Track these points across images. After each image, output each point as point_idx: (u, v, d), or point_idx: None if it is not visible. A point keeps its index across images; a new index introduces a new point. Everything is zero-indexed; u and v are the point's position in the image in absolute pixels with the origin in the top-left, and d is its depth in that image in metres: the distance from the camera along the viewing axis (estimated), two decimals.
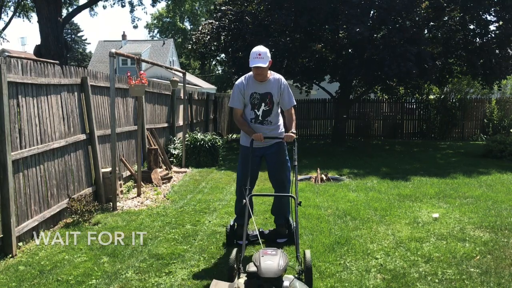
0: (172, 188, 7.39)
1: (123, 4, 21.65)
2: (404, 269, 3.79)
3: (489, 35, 12.55)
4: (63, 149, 5.41)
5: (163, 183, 7.76)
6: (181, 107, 11.37)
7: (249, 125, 4.31)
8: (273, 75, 4.31)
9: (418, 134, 16.79)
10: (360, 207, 5.87)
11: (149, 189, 7.25)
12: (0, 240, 4.15)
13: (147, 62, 7.90)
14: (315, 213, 5.55)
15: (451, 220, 5.25)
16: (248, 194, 3.86)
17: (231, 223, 4.47)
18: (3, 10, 24.40)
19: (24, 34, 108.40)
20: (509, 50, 12.62)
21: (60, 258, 4.10)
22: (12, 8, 25.42)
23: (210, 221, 5.31)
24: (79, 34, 57.27)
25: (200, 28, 14.82)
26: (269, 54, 4.12)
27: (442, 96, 16.37)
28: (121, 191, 6.59)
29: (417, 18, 12.01)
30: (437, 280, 3.57)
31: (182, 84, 10.44)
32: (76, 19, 68.11)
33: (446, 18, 12.90)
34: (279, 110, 4.41)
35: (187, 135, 9.99)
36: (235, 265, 3.21)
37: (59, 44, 13.91)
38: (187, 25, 51.81)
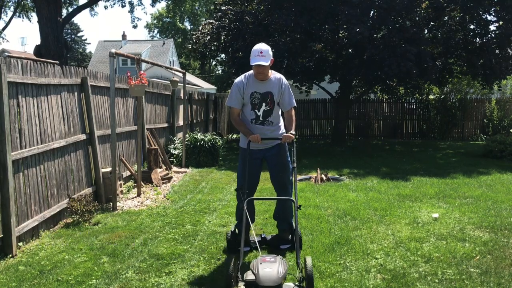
0: (172, 188, 7.39)
1: (123, 4, 21.67)
2: (404, 269, 3.79)
3: (489, 35, 12.55)
4: (63, 149, 5.41)
5: (163, 183, 7.77)
6: (181, 107, 11.38)
7: (246, 125, 4.16)
8: (274, 74, 4.18)
9: (418, 134, 16.79)
10: (360, 207, 5.87)
11: (149, 189, 7.25)
12: (0, 240, 4.15)
13: (147, 62, 7.90)
14: (315, 213, 5.55)
15: (451, 220, 5.25)
16: (246, 198, 3.72)
17: (232, 229, 4.29)
18: (3, 10, 24.40)
19: (24, 34, 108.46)
20: (509, 50, 12.62)
21: (60, 258, 4.10)
22: (12, 8, 25.44)
23: (210, 221, 5.31)
24: (79, 34, 57.28)
25: (200, 28, 14.83)
26: (271, 52, 4.00)
27: (442, 96, 16.37)
28: (121, 191, 6.60)
29: (417, 18, 12.02)
30: (437, 280, 3.57)
31: (182, 84, 10.44)
32: (76, 19, 68.16)
33: (446, 18, 12.90)
34: (280, 111, 4.29)
35: (187, 135, 9.99)
36: (232, 274, 3.04)
37: (59, 44, 13.92)
38: (187, 25, 51.86)
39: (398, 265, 3.88)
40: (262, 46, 3.96)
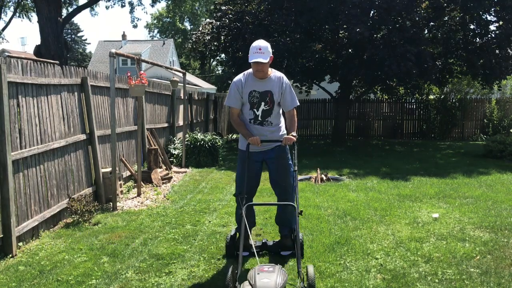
0: (172, 188, 7.39)
1: (123, 4, 21.67)
2: (404, 269, 3.79)
3: (489, 35, 12.55)
4: (63, 149, 5.41)
5: (163, 183, 7.76)
6: (181, 107, 11.38)
7: (246, 126, 3.99)
8: (274, 72, 4.02)
9: (418, 134, 16.80)
10: (360, 207, 5.87)
11: (149, 189, 7.25)
12: (0, 240, 4.15)
13: (147, 62, 7.90)
14: (315, 213, 5.55)
15: (451, 220, 5.25)
16: (245, 203, 3.56)
17: (232, 233, 4.13)
18: (3, 10, 24.41)
19: (24, 34, 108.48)
20: (509, 50, 12.62)
21: (60, 258, 4.10)
22: (12, 8, 25.44)
23: (210, 221, 5.31)
24: (79, 34, 57.28)
25: (200, 28, 14.83)
26: (270, 49, 3.81)
27: (442, 96, 16.37)
28: (121, 191, 6.60)
29: (417, 18, 12.01)
30: (437, 280, 3.57)
31: (182, 84, 10.44)
32: (76, 19, 68.15)
33: (446, 18, 12.91)
34: (281, 110, 4.12)
35: (187, 135, 9.99)
36: (230, 284, 2.91)
37: (59, 44, 13.92)
38: (187, 25, 51.86)
39: (398, 265, 3.88)
40: (260, 43, 3.80)
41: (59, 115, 5.34)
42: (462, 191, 6.89)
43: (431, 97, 16.64)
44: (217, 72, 47.84)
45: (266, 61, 3.74)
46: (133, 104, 8.03)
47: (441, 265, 3.87)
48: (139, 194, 6.75)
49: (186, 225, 5.15)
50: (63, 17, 14.95)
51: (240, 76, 4.01)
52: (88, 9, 21.49)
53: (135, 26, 47.00)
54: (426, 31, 13.26)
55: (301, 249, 3.94)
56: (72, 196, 5.44)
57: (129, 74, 6.61)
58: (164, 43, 40.02)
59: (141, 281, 3.61)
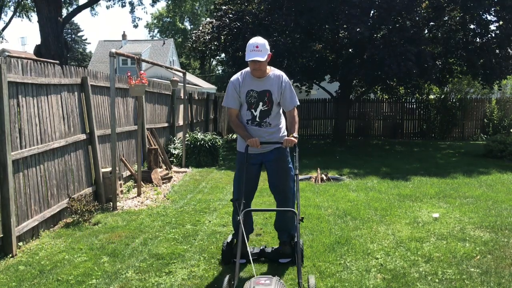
0: (172, 188, 7.39)
1: (123, 4, 21.67)
2: (404, 269, 3.78)
3: (489, 35, 12.56)
4: (63, 149, 5.41)
5: (163, 183, 7.76)
6: (181, 107, 11.37)
7: (245, 128, 3.80)
8: (273, 71, 3.83)
9: (418, 134, 16.80)
10: (360, 207, 5.87)
11: (149, 189, 7.25)
12: (0, 240, 4.15)
13: (147, 62, 7.90)
14: (315, 213, 5.55)
15: (451, 220, 5.25)
16: (243, 209, 3.35)
17: (228, 240, 3.93)
18: (3, 10, 24.41)
19: (24, 34, 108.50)
20: (509, 50, 12.64)
21: (60, 258, 4.10)
22: (12, 8, 25.45)
23: (210, 221, 5.31)
24: (79, 34, 57.28)
25: (200, 27, 14.83)
26: (268, 46, 3.62)
27: (442, 96, 16.37)
28: (121, 191, 6.59)
29: (417, 18, 12.03)
30: (437, 280, 3.57)
31: (182, 84, 10.44)
32: (76, 19, 68.14)
33: (446, 18, 12.91)
34: (280, 111, 3.93)
35: (187, 135, 9.99)
36: None
37: (59, 44, 13.92)
38: (187, 25, 51.87)
39: (398, 265, 3.87)
40: (258, 40, 3.61)
41: (59, 115, 5.34)
42: (462, 191, 6.89)
43: (431, 97, 16.64)
44: (217, 72, 47.85)
45: (263, 59, 3.57)
46: (133, 104, 8.03)
47: (441, 265, 3.87)
48: (139, 194, 6.75)
49: (186, 225, 5.15)
50: (63, 17, 14.95)
51: (237, 75, 3.85)
52: (88, 9, 21.51)
53: (136, 26, 47.10)
54: (426, 31, 13.27)
55: (301, 257, 3.76)
56: (72, 196, 5.43)
57: (129, 74, 6.61)
58: (164, 43, 40.02)
59: (141, 281, 3.61)
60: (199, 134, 10.08)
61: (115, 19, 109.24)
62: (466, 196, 6.49)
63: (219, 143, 10.04)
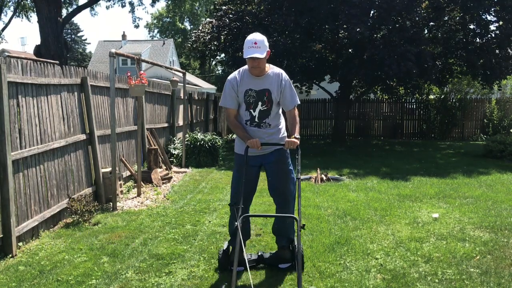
0: (172, 188, 7.39)
1: (123, 4, 21.67)
2: (404, 269, 3.79)
3: (489, 35, 12.57)
4: (63, 149, 5.41)
5: (163, 183, 7.76)
6: (181, 107, 11.37)
7: (244, 128, 3.63)
8: (272, 69, 3.65)
9: (418, 134, 16.81)
10: (360, 207, 5.87)
11: (149, 189, 7.25)
12: (0, 240, 4.15)
13: (147, 62, 7.90)
14: (315, 213, 5.55)
15: (451, 220, 5.25)
16: (241, 214, 3.18)
17: (225, 247, 3.77)
18: (3, 10, 24.41)
19: (24, 34, 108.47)
20: (509, 50, 12.64)
21: (60, 258, 4.10)
22: (12, 8, 25.45)
23: (210, 221, 5.31)
24: (79, 34, 57.28)
25: (200, 27, 14.84)
26: (266, 43, 3.44)
27: (442, 96, 16.38)
28: (121, 191, 6.59)
29: (417, 18, 12.03)
30: (437, 280, 3.57)
31: (182, 84, 10.44)
32: (76, 19, 68.18)
33: (446, 18, 12.92)
34: (280, 111, 3.76)
35: (187, 135, 9.99)
36: None
37: (59, 44, 13.92)
38: (187, 25, 51.87)
39: (398, 265, 3.87)
40: (256, 36, 3.44)
41: (59, 115, 5.34)
42: (462, 191, 6.89)
43: (431, 97, 16.65)
44: (217, 72, 47.85)
45: (262, 56, 3.40)
46: (133, 104, 8.03)
47: (441, 265, 3.87)
48: (139, 194, 6.75)
49: (186, 225, 5.15)
50: (63, 17, 14.95)
51: (235, 74, 3.68)
52: (88, 9, 21.51)
53: (136, 26, 47.13)
54: (426, 31, 13.27)
55: (302, 265, 3.61)
56: (72, 196, 5.43)
57: (129, 74, 6.61)
58: (164, 43, 40.03)
59: (141, 281, 3.61)
60: (199, 134, 10.09)
61: (115, 19, 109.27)
62: (466, 196, 6.49)
63: (219, 143, 10.04)
